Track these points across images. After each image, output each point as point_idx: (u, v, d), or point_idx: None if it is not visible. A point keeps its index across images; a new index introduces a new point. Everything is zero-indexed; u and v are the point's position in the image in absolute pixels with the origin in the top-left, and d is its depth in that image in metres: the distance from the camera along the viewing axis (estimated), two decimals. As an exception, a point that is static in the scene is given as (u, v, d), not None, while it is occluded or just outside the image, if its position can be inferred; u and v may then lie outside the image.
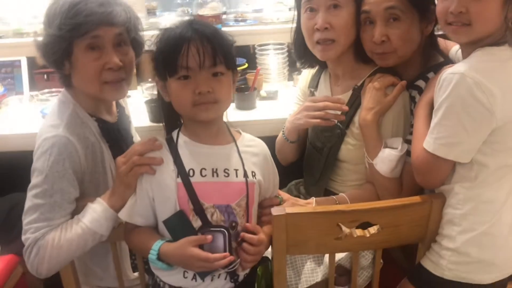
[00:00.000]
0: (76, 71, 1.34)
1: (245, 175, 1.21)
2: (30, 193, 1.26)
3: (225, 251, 1.15)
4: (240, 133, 1.29)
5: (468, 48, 1.18)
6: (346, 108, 1.46)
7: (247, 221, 1.21)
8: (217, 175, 1.19)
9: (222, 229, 1.15)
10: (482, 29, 1.13)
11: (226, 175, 1.19)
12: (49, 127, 1.30)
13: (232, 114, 1.99)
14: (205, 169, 1.19)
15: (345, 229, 1.21)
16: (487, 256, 1.20)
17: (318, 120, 1.48)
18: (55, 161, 1.24)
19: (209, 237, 1.14)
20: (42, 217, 1.24)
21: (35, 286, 1.92)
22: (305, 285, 1.35)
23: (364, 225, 1.23)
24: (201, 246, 1.14)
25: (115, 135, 1.44)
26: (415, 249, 1.35)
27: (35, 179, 1.26)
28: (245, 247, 1.17)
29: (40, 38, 1.34)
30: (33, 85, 2.29)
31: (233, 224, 1.19)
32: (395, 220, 1.23)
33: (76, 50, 1.30)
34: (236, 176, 1.20)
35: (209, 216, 1.17)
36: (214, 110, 1.17)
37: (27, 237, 1.25)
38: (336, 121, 1.48)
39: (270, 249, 1.29)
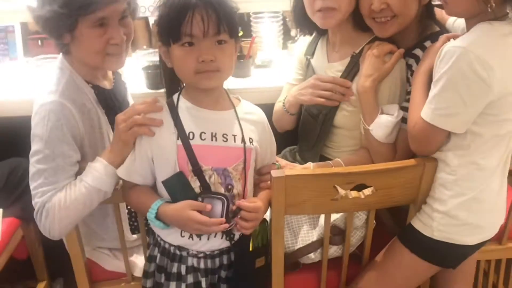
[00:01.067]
0: (79, 44, 1.33)
1: (243, 140, 1.24)
2: (32, 160, 1.29)
3: (222, 217, 1.19)
4: (240, 100, 1.31)
5: (470, 21, 1.21)
6: (352, 93, 1.49)
7: (244, 185, 1.25)
8: (216, 139, 1.22)
9: (221, 196, 1.20)
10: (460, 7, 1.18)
11: (225, 139, 1.23)
12: (46, 93, 1.31)
13: (227, 81, 2.02)
14: (204, 132, 1.21)
15: (341, 191, 1.26)
16: (474, 219, 1.27)
17: (323, 100, 1.51)
18: (53, 127, 1.26)
19: (209, 206, 1.18)
20: (47, 181, 1.27)
21: (35, 248, 1.96)
22: (301, 244, 1.41)
23: (359, 187, 1.28)
24: (199, 210, 1.18)
25: (112, 102, 1.46)
26: (405, 214, 1.42)
27: (35, 146, 1.28)
28: (243, 214, 1.21)
29: (33, 6, 1.31)
30: (27, 51, 2.28)
31: (229, 187, 1.23)
32: (389, 182, 1.28)
33: (80, 25, 1.29)
34: (234, 141, 1.23)
35: (207, 178, 1.21)
36: (216, 78, 1.19)
37: (35, 201, 1.29)
38: (339, 102, 1.52)
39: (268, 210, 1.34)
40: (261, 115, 1.32)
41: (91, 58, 1.36)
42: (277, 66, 2.17)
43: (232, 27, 1.17)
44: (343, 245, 1.39)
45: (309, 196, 1.27)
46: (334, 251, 1.41)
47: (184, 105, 1.24)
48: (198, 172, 1.20)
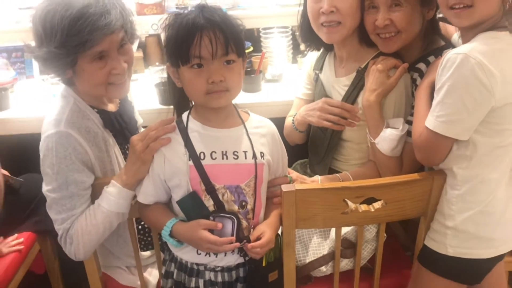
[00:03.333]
0: (81, 78, 1.34)
1: (254, 156, 1.25)
2: (45, 190, 1.32)
3: (232, 236, 1.21)
4: (249, 114, 1.33)
5: (469, 32, 1.22)
6: (359, 119, 1.51)
7: (255, 200, 1.26)
8: (227, 158, 1.24)
9: (232, 216, 1.21)
10: (484, 11, 1.17)
11: (236, 157, 1.24)
12: (51, 124, 1.32)
13: (238, 96, 2.04)
14: (215, 152, 1.23)
15: (351, 204, 1.27)
16: (484, 232, 1.27)
17: (329, 124, 1.53)
18: (62, 157, 1.29)
19: (220, 225, 1.20)
20: (64, 208, 1.31)
21: (51, 261, 2.00)
22: (313, 257, 1.43)
23: (369, 200, 1.29)
24: (211, 230, 1.21)
25: (118, 123, 1.47)
26: (416, 226, 1.42)
27: (47, 177, 1.31)
28: (254, 252, 1.22)
29: (31, 46, 1.32)
30: (43, 70, 2.33)
31: (243, 203, 1.25)
32: (398, 195, 1.29)
33: (80, 61, 1.29)
34: (245, 158, 1.25)
35: (220, 196, 1.23)
36: (226, 98, 1.21)
37: (57, 228, 1.33)
38: (345, 127, 1.54)
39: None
40: (270, 126, 1.34)
41: (95, 90, 1.37)
42: (287, 81, 2.20)
43: (239, 46, 1.19)
44: (354, 258, 1.40)
45: (319, 210, 1.28)
46: (345, 264, 1.42)
47: (193, 125, 1.26)
48: (211, 191, 1.22)
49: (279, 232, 1.38)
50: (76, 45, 1.24)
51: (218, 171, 1.23)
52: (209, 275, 1.29)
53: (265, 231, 1.24)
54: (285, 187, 1.25)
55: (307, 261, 1.43)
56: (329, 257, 1.41)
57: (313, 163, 1.73)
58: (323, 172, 1.64)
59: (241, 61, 1.22)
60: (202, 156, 1.22)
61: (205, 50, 1.14)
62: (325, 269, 1.42)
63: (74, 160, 1.30)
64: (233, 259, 1.29)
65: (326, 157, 1.64)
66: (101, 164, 1.40)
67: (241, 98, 1.99)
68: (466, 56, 1.13)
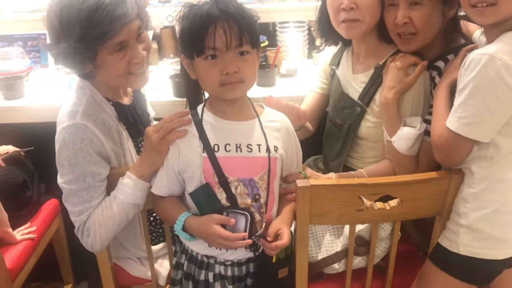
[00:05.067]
0: (102, 70, 1.34)
1: (268, 150, 1.25)
2: (62, 181, 1.32)
3: (245, 232, 1.20)
4: (263, 108, 1.32)
5: (493, 30, 1.20)
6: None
7: (269, 194, 1.26)
8: (241, 150, 1.23)
9: (245, 212, 1.21)
10: (508, 8, 1.14)
11: (249, 150, 1.24)
12: (67, 115, 1.32)
13: (252, 90, 2.02)
14: (229, 144, 1.23)
15: (367, 202, 1.26)
16: (499, 232, 1.25)
17: None
18: (78, 149, 1.29)
19: (233, 220, 1.19)
20: (81, 200, 1.31)
21: (62, 251, 2.04)
22: (325, 254, 1.41)
23: (385, 198, 1.28)
24: (223, 225, 1.20)
25: (132, 117, 1.47)
26: (429, 226, 1.41)
27: (63, 169, 1.31)
28: (273, 249, 1.21)
29: (49, 44, 1.31)
30: (58, 59, 2.33)
31: (257, 196, 1.24)
32: (415, 194, 1.28)
33: (101, 53, 1.29)
34: (259, 151, 1.24)
35: (233, 189, 1.22)
36: (240, 89, 1.20)
37: (74, 220, 1.33)
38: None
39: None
40: (285, 121, 1.33)
41: (116, 81, 1.37)
42: (302, 76, 2.18)
43: (253, 37, 1.18)
44: (367, 256, 1.39)
45: (334, 206, 1.27)
46: (358, 262, 1.41)
47: (208, 117, 1.25)
48: (224, 183, 1.21)
49: (292, 228, 1.38)
50: (97, 37, 1.24)
51: (232, 163, 1.22)
52: (219, 269, 1.29)
53: (283, 230, 1.23)
54: (300, 182, 1.24)
55: (320, 257, 1.42)
56: (342, 254, 1.40)
57: (327, 160, 1.72)
58: (337, 169, 1.62)
59: (256, 52, 1.21)
60: (216, 148, 1.22)
61: (219, 41, 1.13)
62: (337, 266, 1.41)
63: (91, 152, 1.30)
64: (243, 253, 1.28)
65: (341, 154, 1.62)
66: (116, 157, 1.39)
67: (255, 92, 2.00)
68: (491, 57, 1.11)
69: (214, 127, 1.24)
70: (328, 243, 1.43)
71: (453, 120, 1.20)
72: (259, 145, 1.25)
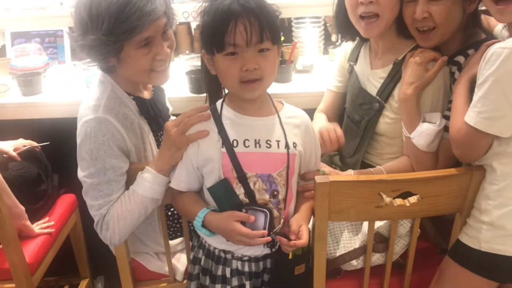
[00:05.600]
0: (125, 65, 1.34)
1: (287, 146, 1.24)
2: (82, 175, 1.33)
3: (264, 229, 1.20)
4: (283, 104, 1.32)
5: None
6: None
7: (287, 191, 1.25)
8: (260, 146, 1.23)
9: (264, 209, 1.20)
10: None
11: (268, 146, 1.23)
12: (89, 109, 1.33)
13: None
14: (248, 140, 1.23)
15: (386, 198, 1.25)
16: None
17: None
18: (100, 143, 1.29)
19: (252, 217, 1.19)
20: (102, 193, 1.31)
21: (79, 246, 2.05)
22: (343, 251, 1.41)
23: (405, 195, 1.26)
24: (243, 222, 1.20)
25: (153, 111, 1.48)
26: (447, 223, 1.39)
27: (84, 162, 1.31)
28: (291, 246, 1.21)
29: (75, 35, 1.32)
30: (75, 55, 2.35)
31: (275, 192, 1.24)
32: (435, 190, 1.26)
33: (127, 48, 1.30)
34: (278, 147, 1.24)
35: (251, 185, 1.22)
36: (259, 88, 1.19)
37: (93, 214, 1.34)
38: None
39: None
40: (304, 117, 1.32)
41: (138, 77, 1.38)
42: (318, 71, 2.18)
43: (274, 34, 1.16)
44: (386, 253, 1.38)
45: (353, 202, 1.26)
46: (377, 258, 1.40)
47: (227, 113, 1.25)
48: (243, 179, 1.21)
49: (309, 225, 1.37)
50: (125, 31, 1.25)
51: (251, 159, 1.22)
52: (236, 264, 1.29)
53: (302, 228, 1.22)
54: (319, 179, 1.23)
55: (338, 254, 1.41)
56: (361, 251, 1.39)
57: (345, 156, 1.71)
58: (355, 166, 1.61)
59: (276, 48, 1.20)
60: (235, 144, 1.22)
61: (240, 37, 1.12)
62: (356, 263, 1.40)
63: (112, 146, 1.30)
64: (260, 249, 1.28)
65: (359, 151, 1.61)
66: (137, 151, 1.40)
67: (272, 88, 1.98)
68: None
69: (233, 122, 1.24)
70: (347, 239, 1.42)
71: (472, 115, 1.18)
72: (278, 141, 1.24)
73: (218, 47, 1.15)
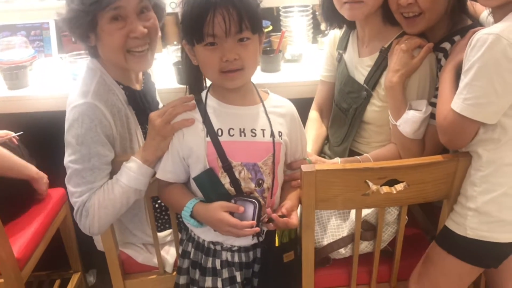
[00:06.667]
0: (102, 42, 1.34)
1: (272, 135, 1.24)
2: (67, 161, 1.31)
3: (253, 220, 1.19)
4: (268, 93, 1.31)
5: (500, 10, 1.17)
6: None
7: (273, 180, 1.25)
8: (244, 135, 1.22)
9: (254, 200, 1.20)
10: None
11: (253, 134, 1.23)
12: (78, 95, 1.32)
13: (257, 76, 2.01)
14: (232, 129, 1.22)
15: (373, 186, 1.25)
16: (507, 215, 1.23)
17: None
18: (88, 128, 1.28)
19: (242, 208, 1.19)
20: (84, 180, 1.30)
21: (70, 239, 2.03)
22: (331, 239, 1.41)
23: (391, 182, 1.26)
24: (231, 213, 1.19)
25: (142, 103, 1.47)
26: (437, 210, 1.40)
27: (70, 147, 1.30)
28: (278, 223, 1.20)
29: (62, 12, 1.34)
30: (61, 48, 2.33)
31: (260, 181, 1.24)
32: (421, 177, 1.26)
33: (100, 22, 1.30)
34: (263, 136, 1.23)
35: (236, 174, 1.21)
36: (241, 77, 1.18)
37: (74, 201, 1.32)
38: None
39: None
40: (290, 107, 1.31)
41: (114, 56, 1.36)
42: (307, 61, 2.16)
43: (254, 23, 1.15)
44: (374, 240, 1.38)
45: (339, 191, 1.26)
46: (365, 246, 1.40)
47: (212, 102, 1.25)
48: (228, 168, 1.21)
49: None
50: (94, 1, 1.25)
51: (235, 148, 1.21)
52: (226, 255, 1.29)
53: (294, 213, 1.23)
54: (305, 167, 1.23)
55: (326, 243, 1.41)
56: (349, 239, 1.39)
57: (333, 145, 1.70)
58: (343, 154, 1.61)
59: (257, 37, 1.19)
60: (219, 133, 1.21)
61: (218, 28, 1.11)
62: (344, 251, 1.40)
63: (99, 133, 1.29)
64: (248, 239, 1.28)
65: (347, 139, 1.61)
66: (122, 141, 1.39)
67: (260, 78, 2.00)
68: (497, 37, 1.09)
69: (217, 111, 1.23)
70: (334, 228, 1.42)
71: (458, 102, 1.18)
72: (263, 130, 1.24)
73: (197, 38, 1.14)
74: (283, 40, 2.08)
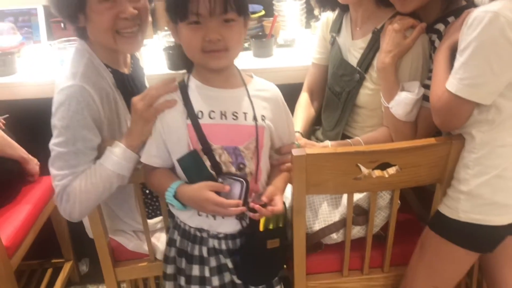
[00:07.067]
0: (91, 22, 1.32)
1: (255, 118, 1.21)
2: (52, 143, 1.28)
3: (240, 199, 1.17)
4: (252, 77, 1.28)
5: None
6: None
7: (257, 164, 1.22)
8: (226, 118, 1.20)
9: (241, 179, 1.17)
10: None
11: (235, 118, 1.20)
12: (66, 77, 1.29)
13: (249, 61, 2.00)
14: (213, 111, 1.20)
15: (364, 170, 1.23)
16: (501, 198, 1.21)
17: None
18: (75, 111, 1.25)
19: (227, 187, 1.16)
20: (67, 164, 1.27)
21: (61, 228, 2.02)
22: (323, 224, 1.39)
23: (383, 166, 1.24)
24: (218, 192, 1.17)
25: (130, 86, 1.44)
26: (430, 194, 1.37)
27: (56, 130, 1.27)
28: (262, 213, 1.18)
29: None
30: (50, 34, 2.29)
31: (241, 165, 1.21)
32: (414, 160, 1.24)
33: (89, 2, 1.27)
34: (245, 119, 1.20)
35: (217, 157, 1.19)
36: (225, 58, 1.16)
37: (55, 184, 1.29)
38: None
39: (288, 191, 1.32)
40: (274, 91, 1.28)
41: (104, 37, 1.33)
42: (300, 46, 2.13)
43: (240, 5, 1.13)
44: (366, 225, 1.37)
45: (331, 175, 1.24)
46: (357, 231, 1.38)
47: (193, 84, 1.22)
48: (207, 151, 1.18)
49: (288, 199, 1.35)
50: None
51: (216, 130, 1.19)
52: (213, 243, 1.27)
53: (277, 197, 1.20)
54: (295, 152, 1.21)
55: (318, 228, 1.39)
56: (340, 224, 1.37)
57: (326, 129, 1.68)
58: (336, 139, 1.58)
59: (242, 20, 1.17)
60: (200, 115, 1.19)
61: (203, 6, 1.09)
62: (336, 236, 1.38)
63: (86, 116, 1.26)
64: (233, 224, 1.25)
65: (340, 123, 1.59)
66: (110, 125, 1.36)
67: (252, 63, 1.97)
68: (496, 14, 1.06)
69: (199, 93, 1.21)
70: (326, 213, 1.40)
71: (453, 82, 1.15)
72: (245, 113, 1.21)
73: (181, 16, 1.12)
74: (275, 24, 2.06)
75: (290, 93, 1.80)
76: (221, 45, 1.13)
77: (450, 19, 1.39)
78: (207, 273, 1.28)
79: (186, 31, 1.13)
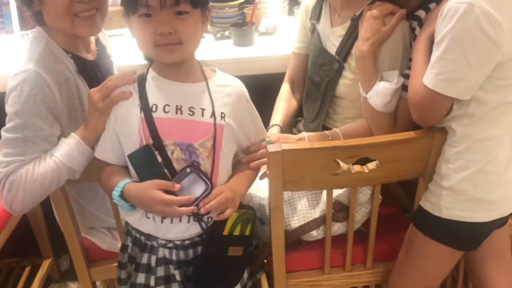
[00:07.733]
0: (46, 7, 1.26)
1: (213, 115, 1.15)
2: (3, 128, 1.22)
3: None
4: (215, 72, 1.22)
5: None
6: None
7: (213, 165, 1.16)
8: (181, 113, 1.14)
9: (208, 182, 1.11)
10: None
11: (191, 113, 1.14)
12: (20, 63, 1.24)
13: (229, 51, 1.93)
14: (168, 105, 1.14)
15: (343, 165, 1.18)
16: (483, 194, 1.17)
17: None
18: (26, 97, 1.19)
19: (177, 186, 1.10)
20: (14, 151, 1.20)
21: (38, 225, 1.95)
22: (303, 221, 1.34)
23: (363, 161, 1.19)
24: (171, 192, 1.10)
25: (94, 73, 1.38)
26: (414, 185, 1.33)
27: (8, 116, 1.21)
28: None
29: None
30: (23, 24, 2.21)
31: (195, 163, 1.14)
32: (395, 155, 1.19)
33: None
34: (202, 115, 1.14)
35: (169, 153, 1.13)
36: (179, 52, 1.09)
37: None
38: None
39: (267, 186, 1.26)
40: (237, 87, 1.20)
41: (60, 21, 1.27)
42: (282, 34, 2.07)
43: None
44: (347, 221, 1.32)
45: (309, 171, 1.19)
46: (338, 228, 1.34)
47: (151, 77, 1.16)
48: (158, 146, 1.13)
49: (266, 195, 1.30)
50: None
51: (170, 125, 1.13)
52: (163, 252, 1.20)
53: (222, 195, 1.13)
54: (271, 147, 1.16)
55: (297, 225, 1.34)
56: (321, 221, 1.33)
57: (307, 121, 1.63)
58: (317, 131, 1.53)
59: (199, 12, 1.11)
60: (154, 108, 1.13)
61: None
62: (316, 234, 1.34)
63: (39, 103, 1.20)
64: (184, 228, 1.18)
65: (320, 115, 1.53)
66: (72, 113, 1.30)
67: (232, 52, 1.90)
68: (470, 5, 1.00)
69: (156, 87, 1.15)
70: (306, 209, 1.35)
71: (430, 77, 1.10)
72: (203, 110, 1.14)
73: (131, 9, 1.06)
74: (256, 12, 1.99)
75: (273, 83, 1.75)
76: (174, 39, 1.07)
77: (432, 5, 1.33)
78: (152, 283, 1.22)
79: (138, 24, 1.08)
